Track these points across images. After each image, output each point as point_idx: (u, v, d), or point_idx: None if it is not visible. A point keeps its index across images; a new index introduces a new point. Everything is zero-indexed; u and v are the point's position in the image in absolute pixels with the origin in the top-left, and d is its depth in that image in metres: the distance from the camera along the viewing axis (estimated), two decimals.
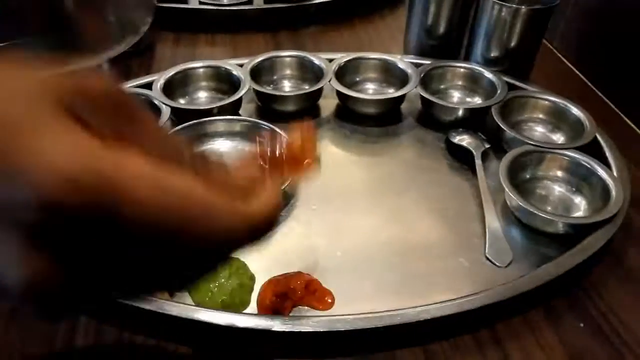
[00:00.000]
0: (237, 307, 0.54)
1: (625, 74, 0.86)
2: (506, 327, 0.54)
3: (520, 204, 0.62)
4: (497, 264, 0.60)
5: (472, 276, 0.59)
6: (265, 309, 0.53)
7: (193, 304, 0.54)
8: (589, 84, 0.93)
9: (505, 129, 0.73)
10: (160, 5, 1.00)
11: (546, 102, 0.79)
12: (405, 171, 0.73)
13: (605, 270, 0.60)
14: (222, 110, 0.76)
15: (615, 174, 0.66)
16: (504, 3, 0.81)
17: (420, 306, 0.52)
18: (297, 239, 0.63)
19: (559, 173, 0.69)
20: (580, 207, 0.66)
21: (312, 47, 1.01)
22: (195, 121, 0.73)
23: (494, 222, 0.64)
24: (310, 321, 0.50)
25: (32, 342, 0.51)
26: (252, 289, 0.56)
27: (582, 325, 0.55)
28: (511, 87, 0.82)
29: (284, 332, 0.50)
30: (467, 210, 0.67)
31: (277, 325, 0.50)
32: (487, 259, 0.61)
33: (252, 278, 0.57)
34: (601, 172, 0.65)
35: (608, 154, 0.70)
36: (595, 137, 0.72)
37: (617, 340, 0.54)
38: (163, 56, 0.98)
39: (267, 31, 1.05)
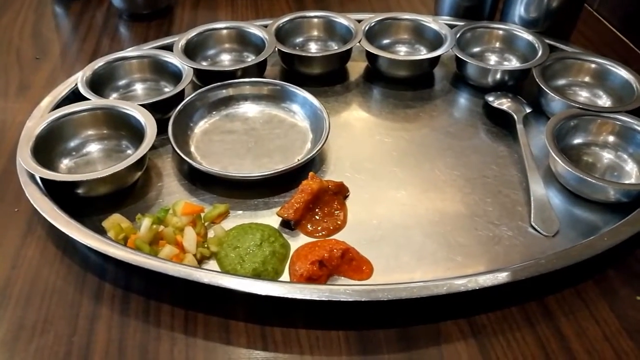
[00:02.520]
0: (270, 275, 0.51)
1: None
2: (557, 299, 0.51)
3: (569, 169, 0.58)
4: (544, 233, 0.56)
5: (517, 246, 0.55)
6: (299, 278, 0.50)
7: (222, 272, 0.51)
8: (634, 47, 0.87)
9: (548, 91, 0.68)
10: None
11: (592, 64, 0.74)
12: (441, 137, 0.69)
13: None
14: (245, 73, 0.72)
15: None
16: None
17: (468, 276, 0.48)
18: None
19: (609, 138, 0.64)
20: (632, 174, 0.62)
21: (337, 9, 0.95)
22: (219, 83, 0.69)
23: (539, 189, 0.60)
24: (349, 290, 0.47)
25: (58, 307, 0.49)
26: (285, 257, 0.53)
27: (638, 298, 0.51)
28: (552, 49, 0.77)
29: (321, 302, 0.46)
30: (509, 177, 0.63)
31: (313, 294, 0.47)
32: (533, 227, 0.57)
33: (284, 245, 0.53)
34: None
35: None
36: None
37: None
38: (182, 19, 0.94)
39: None
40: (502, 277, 0.48)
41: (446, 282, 0.47)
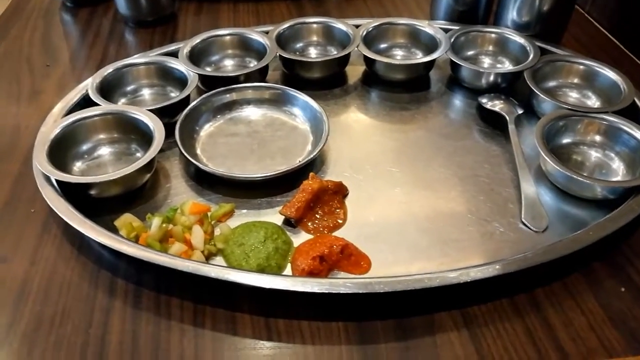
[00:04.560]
0: (273, 270, 0.54)
1: None
2: (545, 291, 0.54)
3: (557, 167, 0.60)
4: (534, 228, 0.59)
5: (508, 241, 0.58)
6: (301, 273, 0.53)
7: (228, 267, 0.54)
8: (624, 48, 0.90)
9: (538, 93, 0.71)
10: None
11: (581, 66, 0.77)
12: (436, 138, 0.72)
13: None
14: (248, 78, 0.75)
15: None
16: None
17: (460, 269, 0.51)
18: None
19: (597, 138, 0.67)
20: (619, 172, 0.65)
21: (336, 15, 0.99)
22: (222, 88, 0.72)
23: (529, 187, 0.63)
24: (348, 283, 0.50)
25: (74, 302, 0.52)
26: (287, 253, 0.56)
27: (623, 289, 0.54)
28: (543, 51, 0.79)
29: (322, 294, 0.49)
30: (500, 176, 0.66)
31: (314, 286, 0.50)
32: (523, 224, 0.60)
33: (287, 242, 0.56)
34: None
35: None
36: (634, 102, 0.70)
37: None
38: (186, 26, 0.97)
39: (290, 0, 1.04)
40: (491, 270, 0.51)
41: (439, 275, 0.50)
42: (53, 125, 0.64)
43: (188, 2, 1.02)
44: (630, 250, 0.58)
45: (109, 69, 0.74)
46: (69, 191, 0.59)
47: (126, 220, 0.57)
